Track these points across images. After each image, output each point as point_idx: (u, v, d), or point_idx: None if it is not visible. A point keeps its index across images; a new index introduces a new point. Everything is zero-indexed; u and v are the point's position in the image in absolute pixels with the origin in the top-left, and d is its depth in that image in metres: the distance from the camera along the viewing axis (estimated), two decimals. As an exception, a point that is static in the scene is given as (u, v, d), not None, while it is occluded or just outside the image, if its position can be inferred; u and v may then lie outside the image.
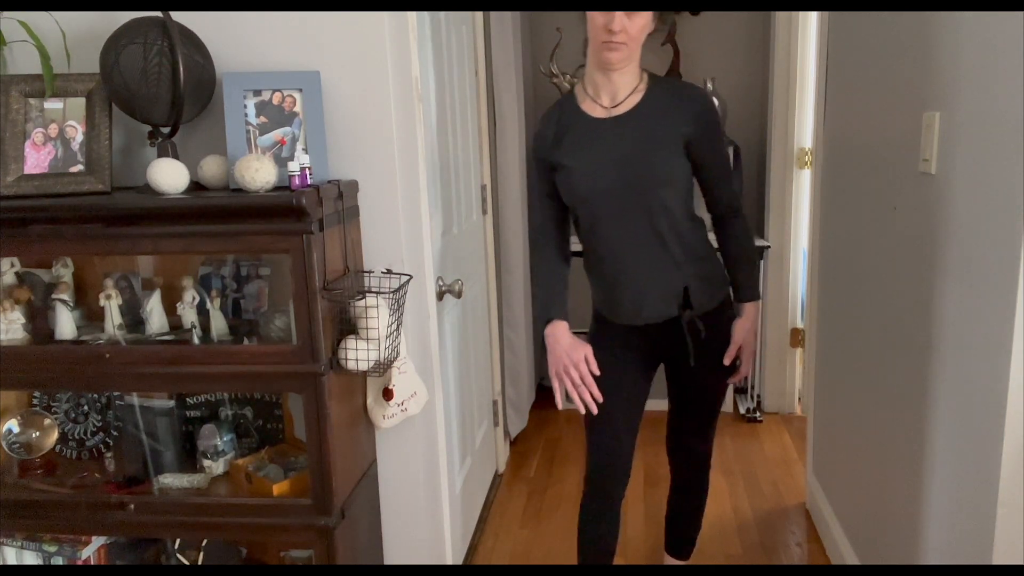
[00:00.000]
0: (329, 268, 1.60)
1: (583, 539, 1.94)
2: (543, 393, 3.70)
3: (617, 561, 2.41)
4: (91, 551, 1.87)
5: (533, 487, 2.95)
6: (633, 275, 1.74)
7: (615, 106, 1.71)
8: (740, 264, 1.84)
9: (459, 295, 2.19)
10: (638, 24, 1.59)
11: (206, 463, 1.81)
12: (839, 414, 2.33)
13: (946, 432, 1.51)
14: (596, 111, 1.73)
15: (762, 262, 3.40)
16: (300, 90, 1.65)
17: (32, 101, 1.66)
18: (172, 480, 1.81)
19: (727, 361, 1.84)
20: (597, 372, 1.72)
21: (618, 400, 1.81)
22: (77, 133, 1.68)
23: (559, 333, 1.75)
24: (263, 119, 1.65)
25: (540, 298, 1.85)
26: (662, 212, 1.69)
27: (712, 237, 1.83)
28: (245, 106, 1.64)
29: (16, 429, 1.88)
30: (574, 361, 1.71)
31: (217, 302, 1.75)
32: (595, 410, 1.71)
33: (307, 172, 1.56)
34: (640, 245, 1.72)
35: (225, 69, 1.70)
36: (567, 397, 1.73)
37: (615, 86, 1.70)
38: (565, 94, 1.83)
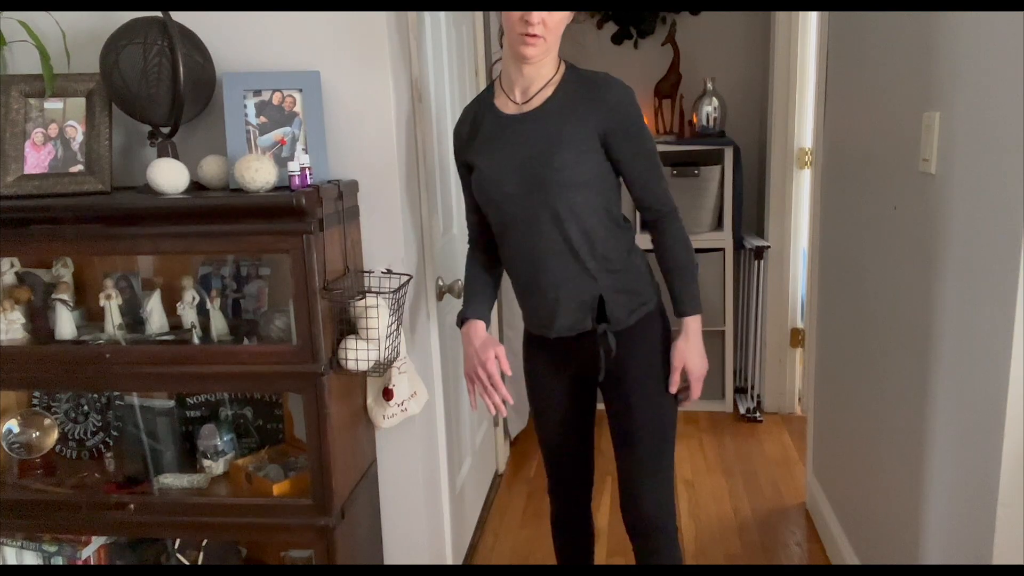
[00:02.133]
0: (329, 268, 1.60)
1: (558, 551, 1.91)
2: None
3: (617, 561, 2.41)
4: (91, 551, 1.87)
5: (533, 487, 2.95)
6: (544, 284, 1.60)
7: (526, 101, 1.58)
8: (674, 274, 1.65)
9: (459, 295, 2.19)
10: (558, 15, 1.49)
11: (206, 463, 1.81)
12: (839, 414, 2.33)
13: (946, 432, 1.51)
14: (508, 107, 1.61)
15: (762, 262, 3.40)
16: (300, 90, 1.65)
17: (32, 101, 1.66)
18: (172, 480, 1.81)
19: (672, 389, 1.66)
20: (508, 372, 1.64)
21: (557, 411, 1.74)
22: (77, 133, 1.68)
23: (472, 333, 1.67)
24: (263, 119, 1.65)
25: (465, 296, 1.76)
26: (571, 217, 1.54)
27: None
28: (245, 106, 1.64)
29: (16, 429, 1.88)
30: (482, 360, 1.62)
31: (217, 302, 1.75)
32: (504, 412, 1.65)
33: (307, 172, 1.56)
34: (549, 252, 1.57)
35: (225, 69, 1.70)
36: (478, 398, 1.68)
37: (528, 80, 1.57)
38: (485, 88, 1.71)
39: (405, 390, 1.82)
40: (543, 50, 1.51)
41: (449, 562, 2.13)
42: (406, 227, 1.83)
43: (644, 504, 1.68)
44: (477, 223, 1.73)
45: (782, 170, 3.36)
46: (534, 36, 1.47)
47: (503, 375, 1.66)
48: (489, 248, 1.73)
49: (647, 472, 1.68)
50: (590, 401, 1.78)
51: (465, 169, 1.68)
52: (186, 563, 1.90)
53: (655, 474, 1.68)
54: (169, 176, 1.59)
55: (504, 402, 1.66)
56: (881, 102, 1.88)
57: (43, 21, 1.69)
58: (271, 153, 1.65)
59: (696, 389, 1.68)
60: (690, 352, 1.65)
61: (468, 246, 1.80)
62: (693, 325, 1.66)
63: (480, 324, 1.68)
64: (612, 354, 1.61)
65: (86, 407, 1.93)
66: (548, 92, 1.57)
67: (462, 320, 1.71)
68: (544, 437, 1.81)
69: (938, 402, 1.54)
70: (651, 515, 1.69)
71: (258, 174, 1.53)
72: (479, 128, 1.63)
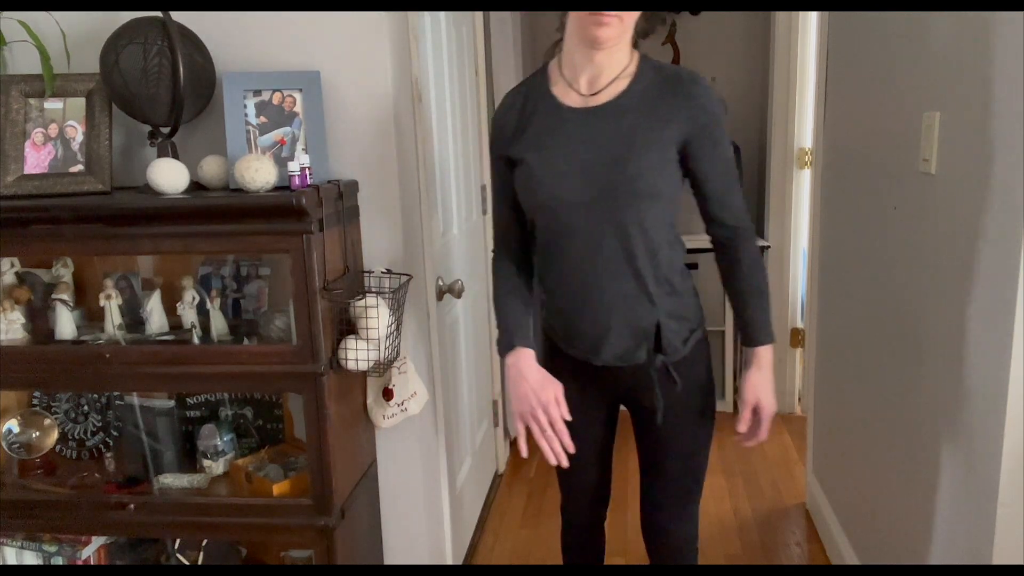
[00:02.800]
0: (329, 268, 1.60)
1: (567, 564, 1.80)
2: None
3: (617, 561, 2.41)
4: (91, 551, 1.87)
5: (533, 487, 2.95)
6: (595, 306, 1.43)
7: (594, 94, 1.38)
8: (750, 299, 1.48)
9: (459, 295, 2.19)
10: None
11: (206, 463, 1.81)
12: (839, 414, 2.33)
13: (946, 432, 1.51)
14: (570, 98, 1.40)
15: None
16: (300, 90, 1.65)
17: (32, 101, 1.66)
18: (172, 480, 1.81)
19: (742, 428, 1.49)
20: (568, 416, 1.43)
21: (581, 436, 1.54)
22: (77, 133, 1.68)
23: (524, 366, 1.45)
24: (263, 119, 1.65)
25: (500, 321, 1.53)
26: (638, 232, 1.37)
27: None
28: (245, 106, 1.64)
29: (16, 429, 1.88)
30: (543, 403, 1.41)
31: (217, 302, 1.75)
32: (565, 463, 1.42)
33: (307, 172, 1.56)
34: (607, 271, 1.40)
35: (225, 69, 1.70)
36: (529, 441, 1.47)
37: (597, 68, 1.37)
38: (535, 72, 1.49)
39: (405, 390, 1.82)
40: (618, 32, 1.31)
41: (449, 562, 2.13)
42: (406, 227, 1.83)
43: (672, 535, 1.64)
44: (511, 227, 1.54)
45: (782, 170, 3.36)
46: (611, 16, 1.27)
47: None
48: (523, 257, 1.56)
49: (679, 505, 1.62)
50: (615, 422, 1.66)
51: (505, 165, 1.47)
52: (186, 563, 1.90)
53: (686, 506, 1.62)
54: (169, 176, 1.59)
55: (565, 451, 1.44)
56: (881, 102, 1.88)
57: (43, 21, 1.69)
58: (271, 153, 1.65)
59: (766, 427, 1.50)
60: (764, 386, 1.48)
61: (495, 253, 1.60)
62: (767, 356, 1.49)
63: (531, 354, 1.47)
64: (678, 388, 1.46)
65: (86, 407, 1.93)
66: (622, 84, 1.37)
67: (508, 347, 1.48)
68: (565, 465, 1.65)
69: (938, 402, 1.54)
70: (678, 546, 1.65)
71: (258, 174, 1.53)
72: (531, 119, 1.42)
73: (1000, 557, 1.31)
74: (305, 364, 1.57)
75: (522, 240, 1.55)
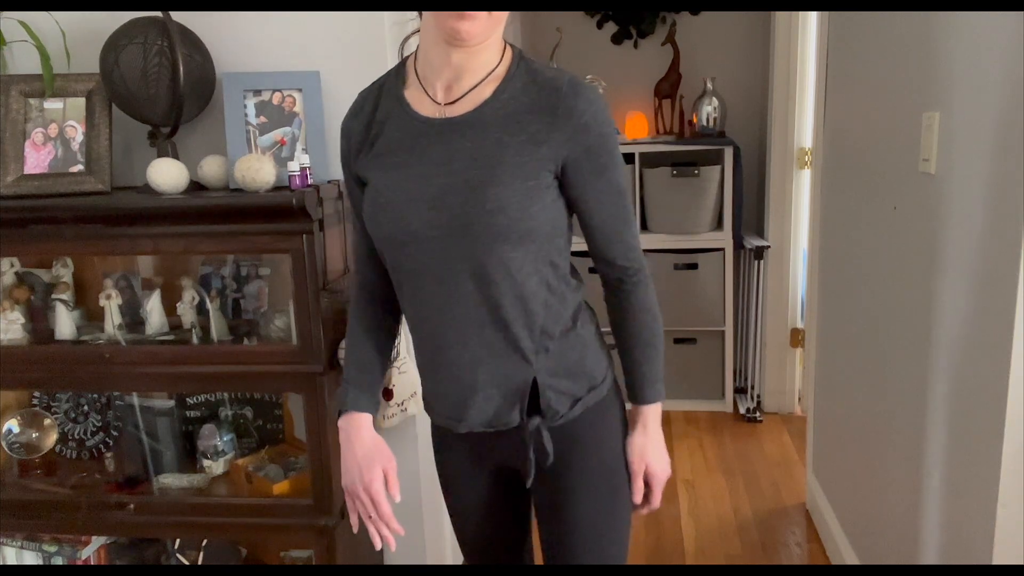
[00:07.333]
0: (329, 268, 1.61)
1: None
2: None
3: (617, 561, 2.41)
4: (91, 551, 1.87)
5: (533, 487, 2.95)
6: (455, 362, 1.14)
7: (451, 102, 1.09)
8: (641, 351, 1.21)
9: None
10: None
11: (206, 463, 1.81)
12: (839, 414, 2.33)
13: (946, 432, 1.51)
14: (424, 105, 1.10)
15: (762, 262, 3.40)
16: (300, 90, 1.65)
17: (32, 101, 1.66)
18: (172, 480, 1.81)
19: (637, 498, 1.25)
20: (397, 497, 1.19)
21: (478, 511, 1.32)
22: (77, 133, 1.68)
23: (354, 434, 1.19)
24: (263, 119, 1.65)
25: (344, 371, 1.27)
26: (504, 279, 1.08)
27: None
28: (245, 106, 1.64)
29: (16, 429, 1.88)
30: (366, 483, 1.16)
31: (217, 302, 1.75)
32: (392, 546, 1.18)
33: (307, 172, 1.56)
34: (467, 321, 1.11)
35: (225, 69, 1.70)
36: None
37: (457, 70, 1.07)
38: (396, 66, 1.18)
39: (405, 390, 1.82)
40: (484, 29, 1.02)
41: (449, 562, 2.13)
42: (406, 227, 1.82)
43: None
44: (368, 258, 1.23)
45: (782, 170, 3.36)
46: (475, 10, 0.99)
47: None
48: (384, 298, 1.25)
49: None
50: (522, 491, 1.30)
51: (356, 183, 1.18)
52: (186, 563, 1.90)
53: None
54: (169, 176, 1.59)
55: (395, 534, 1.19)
56: (881, 102, 1.88)
57: (43, 21, 1.69)
58: (271, 153, 1.65)
59: (658, 494, 1.27)
60: (653, 450, 1.24)
61: (353, 293, 1.30)
62: (655, 415, 1.24)
63: (364, 420, 1.21)
64: (549, 461, 1.19)
65: (86, 407, 1.93)
66: (486, 91, 1.08)
67: (340, 409, 1.23)
68: (464, 539, 1.35)
69: (938, 402, 1.54)
70: None
71: (258, 174, 1.53)
72: (381, 129, 1.13)
73: (1000, 557, 1.31)
74: (305, 364, 1.57)
75: (382, 278, 1.23)
